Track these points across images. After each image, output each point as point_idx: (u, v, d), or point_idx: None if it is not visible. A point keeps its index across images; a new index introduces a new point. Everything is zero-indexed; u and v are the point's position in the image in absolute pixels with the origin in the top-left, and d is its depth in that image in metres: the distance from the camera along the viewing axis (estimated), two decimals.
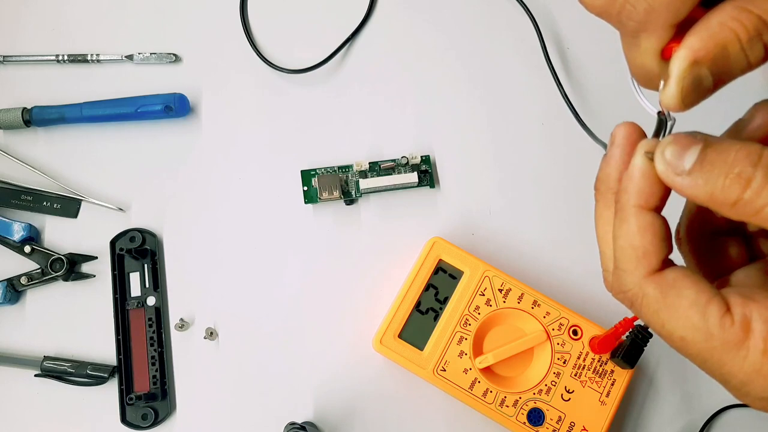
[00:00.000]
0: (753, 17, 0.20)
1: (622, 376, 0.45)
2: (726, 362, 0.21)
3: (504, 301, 0.46)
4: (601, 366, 0.45)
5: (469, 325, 0.46)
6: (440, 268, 0.47)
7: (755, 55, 0.21)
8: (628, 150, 0.24)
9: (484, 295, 0.46)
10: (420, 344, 0.46)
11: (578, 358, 0.45)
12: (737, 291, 0.22)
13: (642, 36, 0.22)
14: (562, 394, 0.45)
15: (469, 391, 0.44)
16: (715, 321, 0.21)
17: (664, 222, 0.24)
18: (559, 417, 0.44)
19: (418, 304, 0.46)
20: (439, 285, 0.47)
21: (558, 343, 0.45)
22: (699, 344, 0.22)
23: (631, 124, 0.24)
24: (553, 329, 0.45)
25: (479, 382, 0.45)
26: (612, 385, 0.45)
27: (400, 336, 0.46)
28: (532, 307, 0.46)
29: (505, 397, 0.44)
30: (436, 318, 0.46)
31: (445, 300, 0.46)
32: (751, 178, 0.20)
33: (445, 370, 0.45)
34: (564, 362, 0.45)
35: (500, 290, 0.46)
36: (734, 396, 0.23)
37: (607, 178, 0.25)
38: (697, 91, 0.21)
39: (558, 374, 0.45)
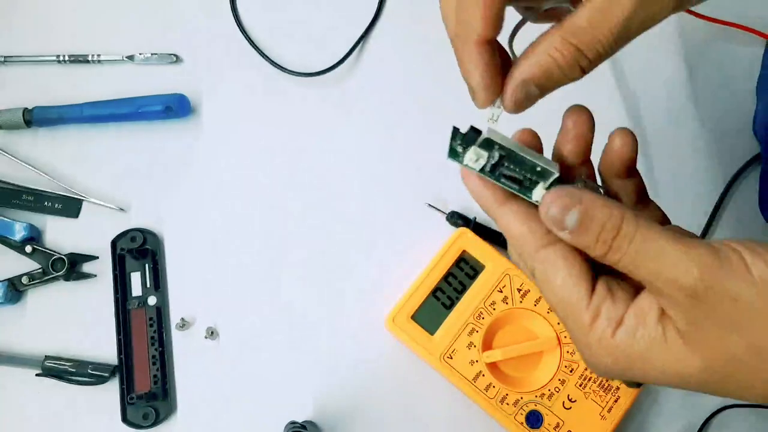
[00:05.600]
0: (572, 49, 0.26)
1: (627, 395, 0.45)
2: (573, 331, 0.28)
3: (521, 302, 0.46)
4: (607, 381, 0.45)
5: (483, 318, 0.46)
6: (463, 259, 0.47)
7: (574, 75, 0.27)
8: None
9: (502, 292, 0.46)
10: (431, 329, 0.46)
11: (586, 369, 0.45)
12: (605, 282, 0.28)
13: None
14: (563, 402, 0.45)
15: (472, 382, 0.45)
16: (575, 302, 0.28)
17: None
18: (558, 423, 0.44)
19: (435, 290, 0.47)
20: (458, 275, 0.47)
21: (568, 351, 0.45)
22: (561, 312, 0.29)
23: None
24: (565, 337, 0.46)
25: (483, 375, 0.45)
26: (615, 401, 0.45)
27: (413, 318, 0.46)
28: (548, 312, 0.46)
29: (507, 394, 0.45)
30: (451, 306, 0.46)
31: (463, 290, 0.47)
32: (612, 245, 0.26)
33: (451, 358, 0.45)
34: (571, 371, 0.45)
35: (519, 290, 0.46)
36: (576, 346, 0.30)
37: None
38: (528, 101, 0.28)
39: (563, 381, 0.45)
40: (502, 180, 0.28)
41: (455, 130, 0.28)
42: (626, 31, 0.26)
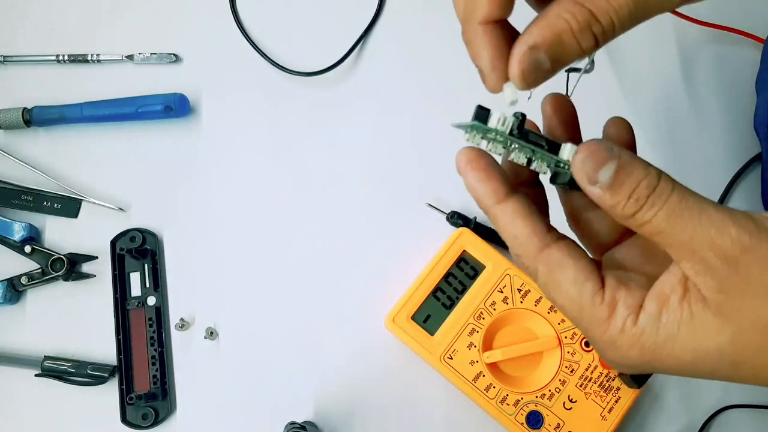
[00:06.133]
0: (585, 11, 0.25)
1: (628, 395, 0.45)
2: (591, 330, 0.27)
3: (521, 302, 0.46)
4: (608, 381, 0.45)
5: (483, 319, 0.46)
6: (463, 259, 0.47)
7: (586, 44, 0.25)
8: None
9: (502, 292, 0.46)
10: (431, 329, 0.46)
11: (586, 369, 0.45)
12: (614, 275, 0.27)
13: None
14: (564, 402, 0.45)
15: (473, 383, 0.45)
16: (588, 298, 0.26)
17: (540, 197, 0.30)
18: (558, 424, 0.44)
19: (435, 290, 0.47)
20: (458, 275, 0.47)
21: (569, 352, 0.45)
22: (574, 313, 0.27)
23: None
24: (565, 337, 0.45)
25: (484, 375, 0.45)
26: (616, 402, 0.45)
27: (413, 318, 0.46)
28: (548, 312, 0.46)
29: (507, 395, 0.44)
30: (451, 306, 0.46)
31: (463, 290, 0.47)
32: (646, 202, 0.25)
33: (452, 359, 0.45)
34: (572, 371, 0.45)
35: (519, 290, 0.46)
36: (596, 351, 0.28)
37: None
38: (537, 72, 0.26)
39: (563, 382, 0.45)
40: (529, 143, 0.27)
41: (479, 108, 0.27)
42: (645, 3, 0.25)
